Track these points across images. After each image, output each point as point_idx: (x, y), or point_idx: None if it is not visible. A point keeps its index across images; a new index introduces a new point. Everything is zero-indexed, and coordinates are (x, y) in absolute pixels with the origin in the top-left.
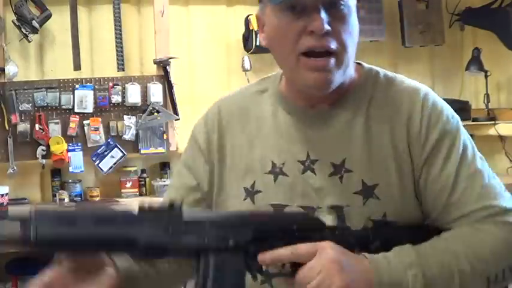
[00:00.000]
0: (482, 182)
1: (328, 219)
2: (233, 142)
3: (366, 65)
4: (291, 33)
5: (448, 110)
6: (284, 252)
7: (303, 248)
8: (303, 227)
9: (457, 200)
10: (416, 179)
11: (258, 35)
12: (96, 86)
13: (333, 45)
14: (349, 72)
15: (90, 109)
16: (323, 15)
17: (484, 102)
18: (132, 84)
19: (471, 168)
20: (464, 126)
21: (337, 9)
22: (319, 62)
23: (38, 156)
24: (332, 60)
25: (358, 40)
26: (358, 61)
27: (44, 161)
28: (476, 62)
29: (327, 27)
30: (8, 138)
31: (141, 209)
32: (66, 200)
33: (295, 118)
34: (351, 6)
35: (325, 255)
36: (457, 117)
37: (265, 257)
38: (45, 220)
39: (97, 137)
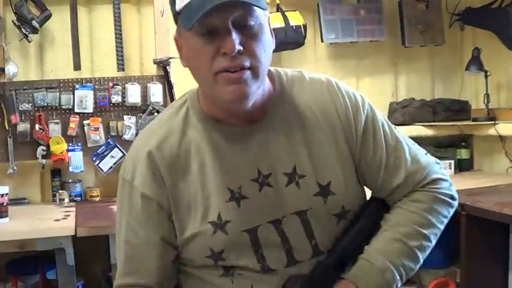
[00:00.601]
0: (405, 148)
1: (294, 226)
2: (184, 184)
3: (271, 69)
4: (205, 55)
5: (356, 92)
6: None
7: None
8: None
9: (392, 172)
10: (357, 166)
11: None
12: (96, 86)
13: (247, 62)
14: (265, 84)
15: (90, 109)
16: (234, 36)
17: (484, 102)
18: (132, 84)
19: (393, 139)
20: (464, 126)
21: (248, 28)
22: (235, 74)
23: (38, 156)
24: (247, 72)
25: (272, 53)
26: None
27: (44, 161)
28: (476, 62)
29: (238, 47)
30: (8, 138)
31: None
32: (66, 200)
33: (234, 141)
34: (262, 23)
35: None
36: (361, 95)
37: None
38: None
39: (97, 137)
